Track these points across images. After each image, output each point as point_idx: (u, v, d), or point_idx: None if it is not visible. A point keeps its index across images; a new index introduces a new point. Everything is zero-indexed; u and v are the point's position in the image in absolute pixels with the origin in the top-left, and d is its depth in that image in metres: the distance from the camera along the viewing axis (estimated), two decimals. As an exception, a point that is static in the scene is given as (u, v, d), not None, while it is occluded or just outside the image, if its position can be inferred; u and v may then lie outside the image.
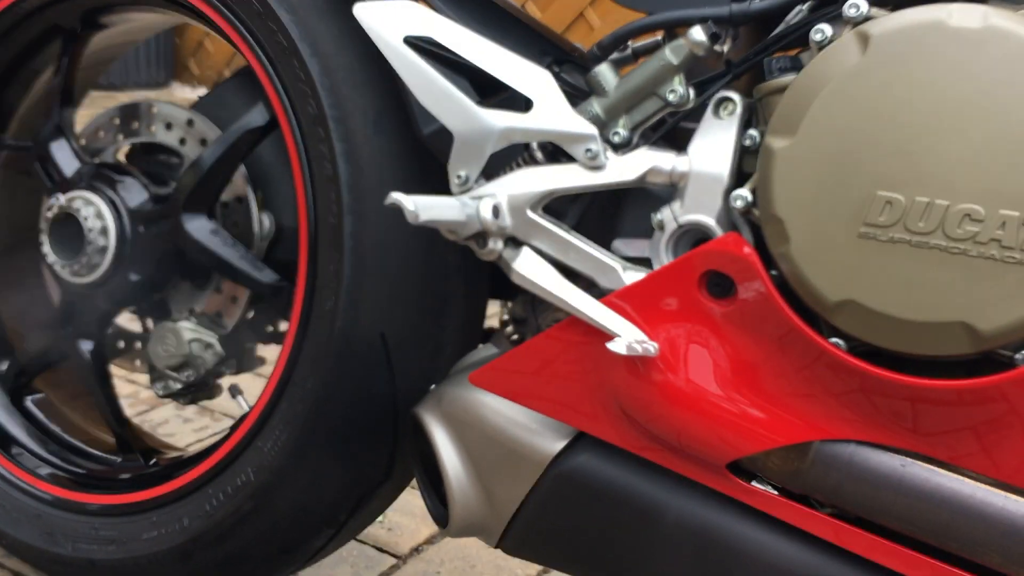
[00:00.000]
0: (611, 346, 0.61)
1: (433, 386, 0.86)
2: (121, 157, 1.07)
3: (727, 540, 0.67)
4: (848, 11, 0.60)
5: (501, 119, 0.69)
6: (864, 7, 0.59)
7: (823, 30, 0.62)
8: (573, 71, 0.79)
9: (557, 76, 0.75)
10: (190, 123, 1.02)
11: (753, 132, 0.65)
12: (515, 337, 0.86)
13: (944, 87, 0.54)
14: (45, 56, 1.09)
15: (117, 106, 1.06)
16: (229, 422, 1.49)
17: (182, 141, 1.02)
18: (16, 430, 1.06)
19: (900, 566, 0.61)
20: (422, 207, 0.63)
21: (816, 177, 0.57)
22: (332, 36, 0.85)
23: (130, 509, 0.97)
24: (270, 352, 1.02)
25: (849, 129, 0.56)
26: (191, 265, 0.98)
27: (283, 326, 1.05)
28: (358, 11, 0.74)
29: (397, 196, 0.64)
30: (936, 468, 0.61)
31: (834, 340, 0.61)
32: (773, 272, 0.62)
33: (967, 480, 0.60)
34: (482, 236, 0.69)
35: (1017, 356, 0.57)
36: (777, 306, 0.60)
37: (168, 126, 1.03)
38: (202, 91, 4.61)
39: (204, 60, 4.52)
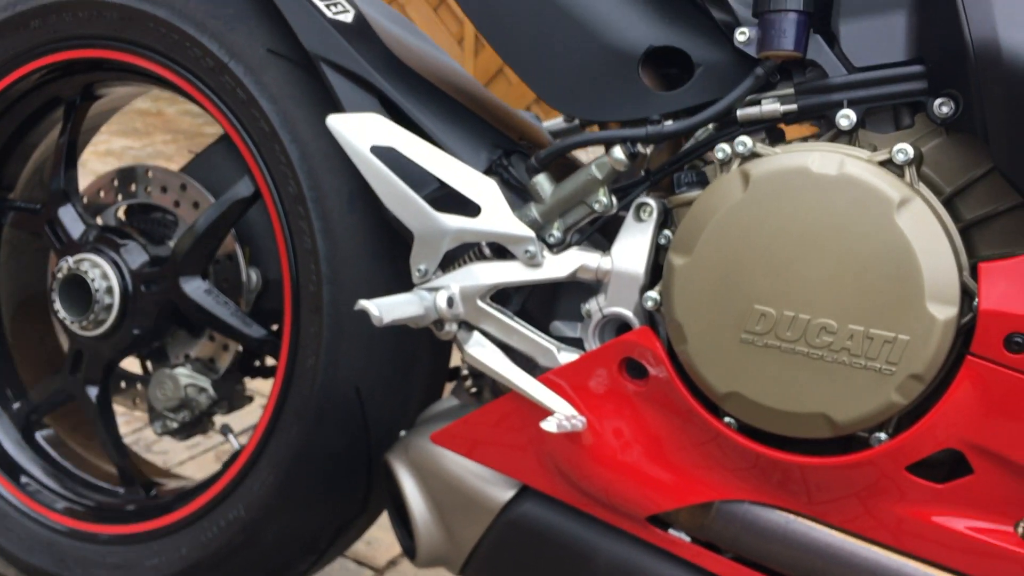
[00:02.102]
0: (543, 425, 0.75)
1: (403, 432, 1.00)
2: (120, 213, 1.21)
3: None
4: (737, 147, 0.73)
5: (454, 222, 0.83)
6: (750, 144, 0.73)
7: (724, 149, 0.76)
8: (519, 161, 0.93)
9: (505, 169, 0.89)
10: (183, 187, 1.15)
11: (667, 232, 0.79)
12: (474, 390, 1.00)
13: (806, 222, 0.68)
14: (49, 122, 1.22)
15: (116, 169, 1.19)
16: (218, 439, 1.63)
17: (176, 203, 1.16)
18: (29, 464, 1.20)
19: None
20: (385, 309, 0.77)
21: (707, 291, 0.71)
22: (310, 124, 0.99)
23: (135, 539, 1.11)
24: (257, 383, 1.16)
25: (733, 252, 0.70)
26: (187, 316, 1.11)
27: (270, 361, 1.20)
28: (331, 122, 0.87)
29: (363, 304, 0.78)
30: (814, 524, 0.75)
31: (727, 419, 0.75)
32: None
33: (839, 534, 0.74)
34: (439, 321, 0.83)
35: (871, 439, 0.71)
36: (679, 391, 0.75)
37: (163, 189, 1.17)
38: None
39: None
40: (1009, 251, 0.72)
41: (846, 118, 0.73)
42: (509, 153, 0.92)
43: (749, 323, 0.70)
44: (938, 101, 0.70)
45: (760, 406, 0.71)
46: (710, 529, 0.78)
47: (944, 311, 0.66)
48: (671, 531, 0.81)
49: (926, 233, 0.66)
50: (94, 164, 3.31)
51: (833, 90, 0.74)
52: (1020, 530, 0.69)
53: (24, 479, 1.19)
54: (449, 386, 1.08)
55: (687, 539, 0.81)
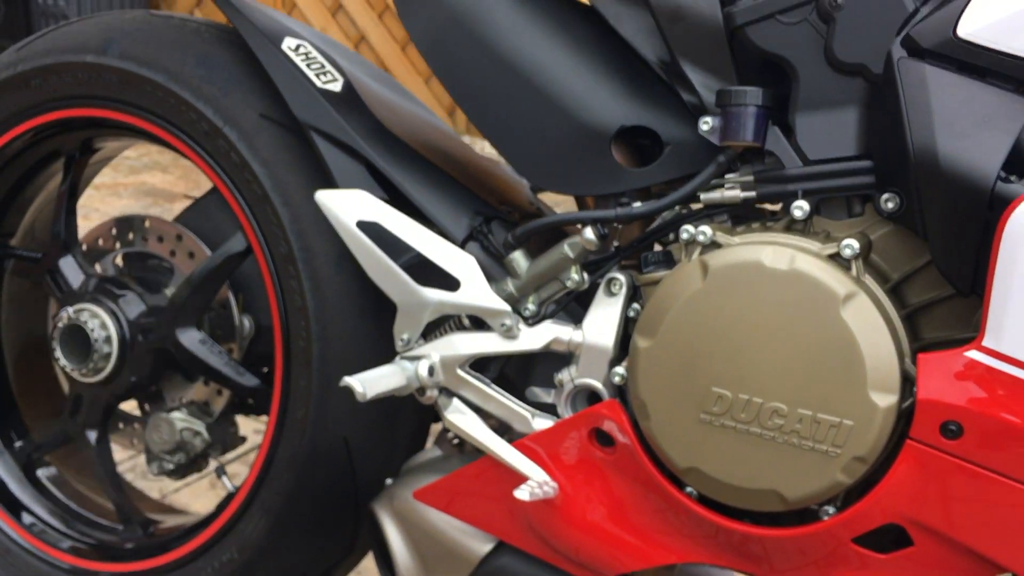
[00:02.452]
0: (517, 494, 0.80)
1: (389, 480, 1.06)
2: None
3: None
4: (698, 236, 0.79)
5: (435, 296, 0.88)
6: (710, 233, 0.79)
7: (688, 230, 0.81)
8: (499, 227, 0.98)
9: (485, 236, 0.95)
10: (179, 237, 1.20)
11: (636, 306, 0.85)
12: (456, 441, 1.05)
13: (760, 314, 0.74)
14: (49, 172, 1.27)
15: (113, 219, 1.24)
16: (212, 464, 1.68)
17: (172, 253, 1.21)
18: (31, 502, 1.25)
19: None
20: (368, 384, 0.83)
21: (669, 373, 0.77)
22: (300, 187, 1.04)
23: (130, 576, 1.17)
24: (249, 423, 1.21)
25: (693, 338, 0.76)
26: (182, 364, 1.17)
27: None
28: (319, 197, 0.93)
29: (347, 380, 0.83)
30: (770, 585, 0.81)
31: (689, 490, 0.80)
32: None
33: (793, 595, 0.80)
34: (421, 388, 0.89)
35: (821, 512, 0.77)
36: (643, 462, 0.80)
37: (160, 239, 1.22)
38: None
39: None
40: (951, 334, 0.77)
41: (800, 209, 0.78)
42: (489, 219, 0.97)
43: (707, 404, 0.76)
44: (884, 196, 0.76)
45: (717, 481, 0.77)
46: (679, 586, 0.84)
47: (885, 399, 0.71)
48: (644, 587, 0.87)
49: (869, 326, 0.72)
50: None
51: (789, 180, 0.79)
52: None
53: (27, 517, 1.24)
54: (435, 427, 1.13)
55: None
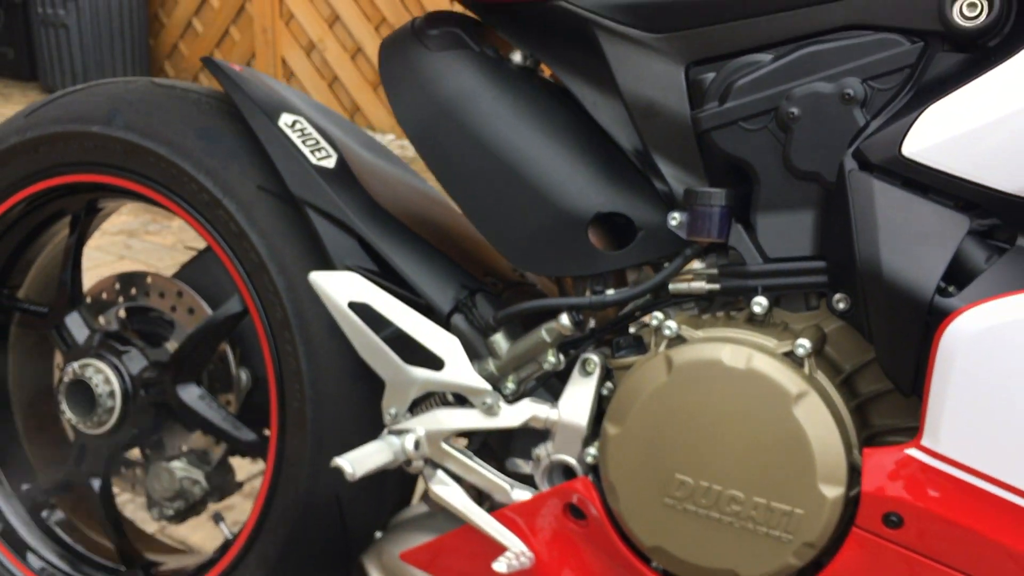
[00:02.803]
0: (495, 567, 0.87)
1: (378, 534, 1.12)
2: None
3: None
4: (663, 331, 0.85)
5: (421, 374, 0.94)
6: (675, 328, 0.85)
7: (658, 317, 0.88)
8: (483, 300, 1.04)
9: (470, 310, 1.01)
10: (179, 294, 1.26)
11: (610, 384, 0.91)
12: (442, 498, 1.11)
13: (719, 408, 0.80)
14: (54, 229, 1.33)
15: (116, 274, 1.30)
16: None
17: (173, 308, 1.27)
18: (38, 544, 1.32)
19: None
20: (358, 464, 0.89)
21: (636, 459, 0.83)
22: (296, 256, 1.10)
23: (132, 619, 1.23)
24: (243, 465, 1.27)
25: (658, 428, 0.82)
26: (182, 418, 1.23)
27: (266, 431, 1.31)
28: (313, 278, 0.99)
29: (337, 461, 0.89)
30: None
31: (655, 565, 0.87)
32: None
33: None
34: (408, 460, 0.95)
35: (776, 587, 0.83)
36: (613, 538, 0.87)
37: (161, 295, 1.28)
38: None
39: (179, 63, 4.71)
40: (899, 423, 0.84)
41: (759, 305, 0.85)
42: (473, 293, 1.04)
43: (671, 489, 0.82)
44: (836, 296, 0.82)
45: (681, 560, 0.83)
46: (642, 650, 0.90)
47: (833, 491, 0.78)
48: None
49: (818, 423, 0.78)
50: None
51: (749, 276, 0.86)
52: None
53: (35, 560, 1.30)
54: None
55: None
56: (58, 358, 1.36)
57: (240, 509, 1.59)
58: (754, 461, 0.79)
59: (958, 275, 0.77)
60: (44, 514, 1.35)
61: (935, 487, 0.74)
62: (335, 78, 4.20)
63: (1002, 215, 0.77)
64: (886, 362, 0.78)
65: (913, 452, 0.75)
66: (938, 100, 0.77)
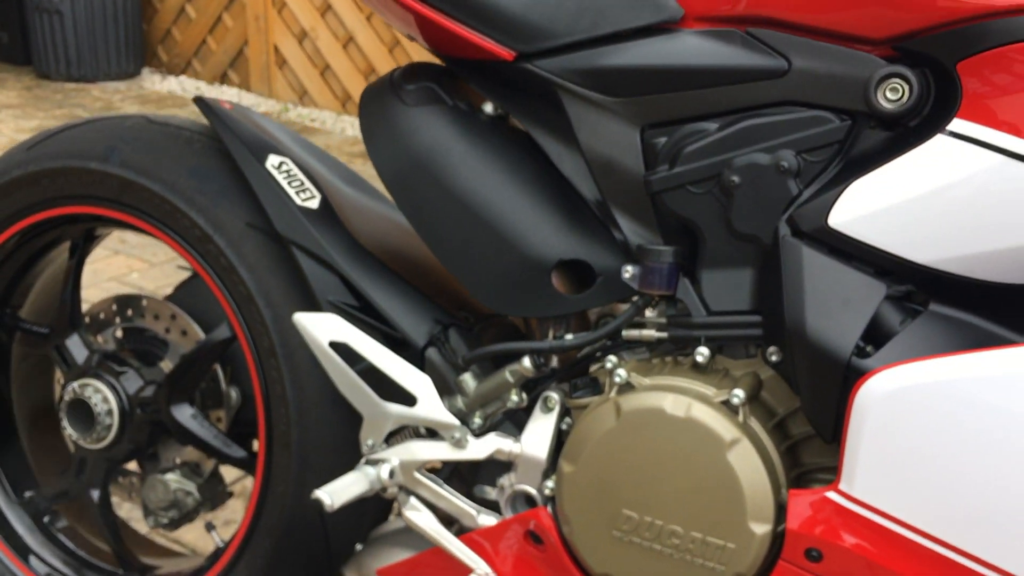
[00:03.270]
0: (460, 588, 0.96)
1: (358, 546, 1.21)
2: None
3: None
4: (614, 378, 0.94)
5: (395, 410, 1.03)
6: (624, 375, 0.94)
7: (612, 360, 0.97)
8: (457, 334, 1.13)
9: (443, 344, 1.10)
10: (173, 316, 1.35)
11: (569, 420, 1.00)
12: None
13: (662, 451, 0.89)
14: (54, 253, 1.41)
15: (114, 296, 1.39)
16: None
17: (167, 330, 1.36)
18: (40, 549, 1.41)
19: None
20: (336, 495, 0.98)
21: (587, 495, 0.93)
22: (282, 290, 1.19)
23: (129, 621, 1.33)
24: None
25: (608, 467, 0.91)
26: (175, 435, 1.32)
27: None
28: (297, 319, 1.08)
29: (316, 494, 0.99)
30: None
31: (605, 586, 0.96)
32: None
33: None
34: (383, 488, 1.04)
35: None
36: (566, 564, 0.96)
37: (155, 317, 1.36)
38: (172, 79, 4.84)
39: (173, 48, 4.76)
40: (827, 462, 0.93)
41: (701, 355, 0.94)
42: (447, 328, 1.13)
43: (619, 523, 0.92)
44: (770, 349, 0.91)
45: (627, 585, 0.93)
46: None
47: (761, 528, 0.87)
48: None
49: (749, 467, 0.87)
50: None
51: (693, 327, 0.94)
52: None
53: (40, 565, 1.40)
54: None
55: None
56: (58, 374, 1.44)
57: (232, 508, 1.68)
58: (692, 500, 0.89)
59: (876, 336, 0.85)
60: (46, 520, 1.45)
61: (850, 528, 0.84)
62: (327, 66, 4.26)
63: (916, 283, 0.86)
64: (809, 412, 0.87)
65: (831, 495, 0.85)
66: (862, 176, 0.86)
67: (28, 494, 1.45)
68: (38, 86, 4.64)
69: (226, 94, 4.65)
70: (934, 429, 0.80)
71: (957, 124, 0.82)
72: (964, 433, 0.79)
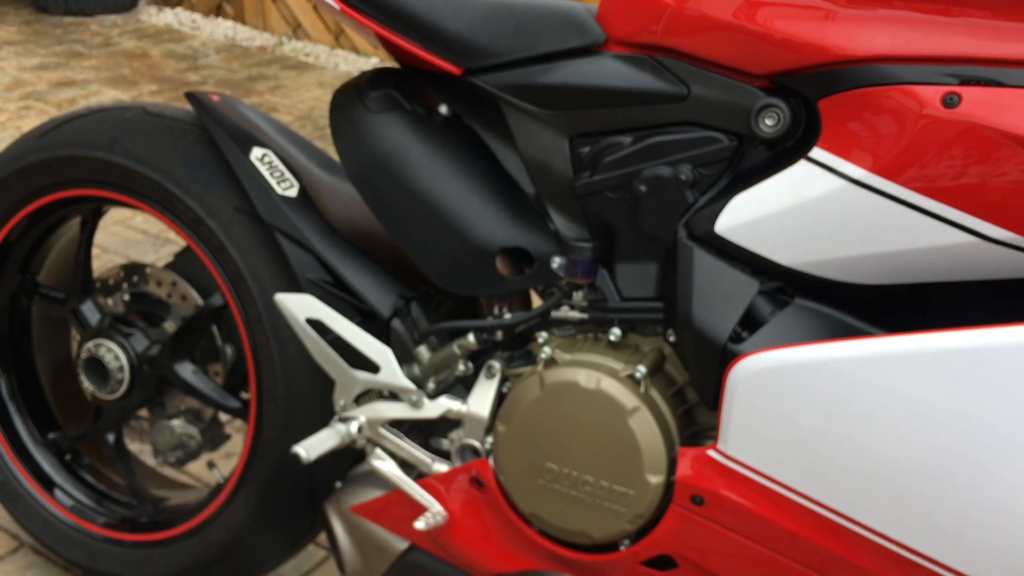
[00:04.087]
0: (415, 524, 1.18)
1: (338, 483, 1.43)
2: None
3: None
4: (541, 355, 1.14)
5: (362, 376, 1.24)
6: (549, 352, 1.14)
7: (543, 336, 1.17)
8: (418, 306, 1.32)
9: (405, 315, 1.29)
10: (173, 283, 1.54)
11: (509, 384, 1.20)
12: (389, 457, 1.42)
13: (577, 417, 1.09)
14: (66, 227, 1.60)
15: (121, 265, 1.58)
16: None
17: (169, 295, 1.55)
18: (67, 484, 1.64)
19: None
20: (311, 449, 1.19)
21: (518, 451, 1.13)
22: (267, 267, 1.38)
23: (147, 545, 1.56)
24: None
25: (534, 430, 1.12)
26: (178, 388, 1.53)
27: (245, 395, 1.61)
28: (278, 299, 1.27)
29: (295, 449, 1.19)
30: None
31: (534, 526, 1.18)
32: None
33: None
34: (353, 441, 1.25)
35: (620, 544, 1.14)
36: (502, 505, 1.17)
37: (159, 283, 1.56)
38: (168, 11, 4.93)
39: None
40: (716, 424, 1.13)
41: (614, 334, 1.13)
42: (409, 301, 1.32)
43: (542, 473, 1.12)
44: (669, 331, 1.10)
45: (550, 523, 1.14)
46: (528, 588, 1.22)
47: (655, 478, 1.08)
48: (507, 582, 1.25)
49: (646, 430, 1.08)
50: (86, 123, 3.63)
51: (608, 311, 1.14)
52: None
53: (64, 498, 1.62)
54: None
55: (518, 587, 1.25)
56: (74, 331, 1.64)
57: (233, 440, 1.89)
58: (601, 456, 1.09)
59: (750, 323, 1.05)
60: (68, 458, 1.67)
61: (725, 479, 1.04)
62: None
63: (784, 281, 1.04)
64: (695, 384, 1.07)
65: (711, 452, 1.05)
66: (744, 190, 1.04)
67: (52, 435, 1.67)
68: (37, 20, 4.74)
69: (221, 27, 4.76)
70: (790, 402, 0.99)
71: (816, 152, 0.99)
72: (815, 406, 0.99)
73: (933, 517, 0.95)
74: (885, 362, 0.96)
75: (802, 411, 0.99)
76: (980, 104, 0.90)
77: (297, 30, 4.58)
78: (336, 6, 1.24)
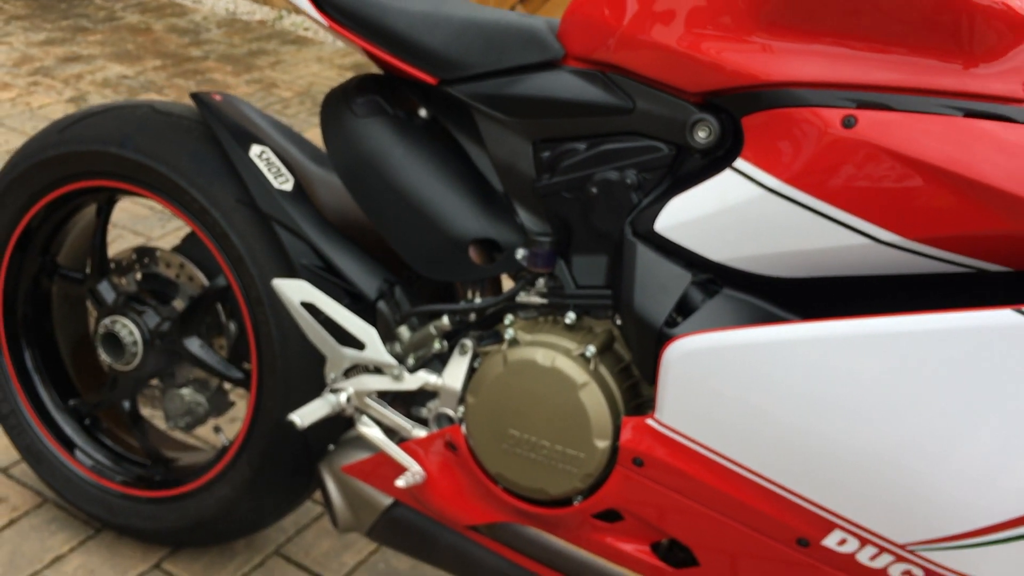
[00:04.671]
0: (396, 482, 1.35)
1: (331, 446, 1.60)
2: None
3: (470, 554, 1.44)
4: (505, 335, 1.30)
5: (349, 352, 1.40)
6: (512, 333, 1.30)
7: (509, 318, 1.33)
8: (400, 289, 1.49)
9: (389, 297, 1.46)
10: (181, 265, 1.71)
11: (479, 360, 1.37)
12: (376, 423, 1.59)
13: (534, 390, 1.26)
14: (83, 212, 1.77)
15: (133, 247, 1.74)
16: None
17: (177, 276, 1.72)
18: (87, 446, 1.82)
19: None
20: (305, 417, 1.36)
21: (484, 419, 1.30)
22: (266, 253, 1.54)
23: (161, 501, 1.75)
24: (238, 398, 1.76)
25: (498, 402, 1.29)
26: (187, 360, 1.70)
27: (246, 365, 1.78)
28: (275, 284, 1.44)
29: (291, 417, 1.36)
30: (552, 537, 1.36)
31: (500, 484, 1.35)
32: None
33: (563, 542, 1.35)
34: (343, 410, 1.42)
35: (574, 500, 1.31)
36: (471, 465, 1.35)
37: (168, 265, 1.72)
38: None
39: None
40: (660, 395, 1.30)
41: (569, 318, 1.30)
42: (393, 285, 1.48)
43: (506, 439, 1.30)
44: (616, 316, 1.27)
45: (512, 481, 1.31)
46: (499, 533, 1.40)
47: (602, 443, 1.25)
48: (480, 532, 1.43)
49: (595, 402, 1.25)
50: (94, 97, 3.78)
51: (565, 297, 1.30)
52: (656, 551, 1.30)
53: (81, 455, 1.81)
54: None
55: (488, 538, 1.42)
56: (90, 308, 1.81)
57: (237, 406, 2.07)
58: (556, 423, 1.26)
59: (684, 310, 1.21)
60: (87, 423, 1.85)
61: (661, 443, 1.21)
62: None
63: (714, 273, 1.21)
64: (636, 362, 1.24)
65: (649, 421, 1.22)
66: (679, 193, 1.20)
67: (72, 402, 1.85)
68: (43, -6, 4.86)
69: (222, 0, 4.88)
70: (715, 378, 1.16)
71: (739, 162, 1.15)
72: (736, 382, 1.15)
73: (829, 472, 1.12)
74: (797, 345, 1.12)
75: (726, 386, 1.15)
76: (873, 125, 1.06)
77: (296, 4, 4.69)
78: (324, 22, 1.39)
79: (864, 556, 1.14)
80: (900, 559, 1.12)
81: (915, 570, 1.11)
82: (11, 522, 1.89)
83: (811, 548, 1.17)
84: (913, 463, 1.07)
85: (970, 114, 1.03)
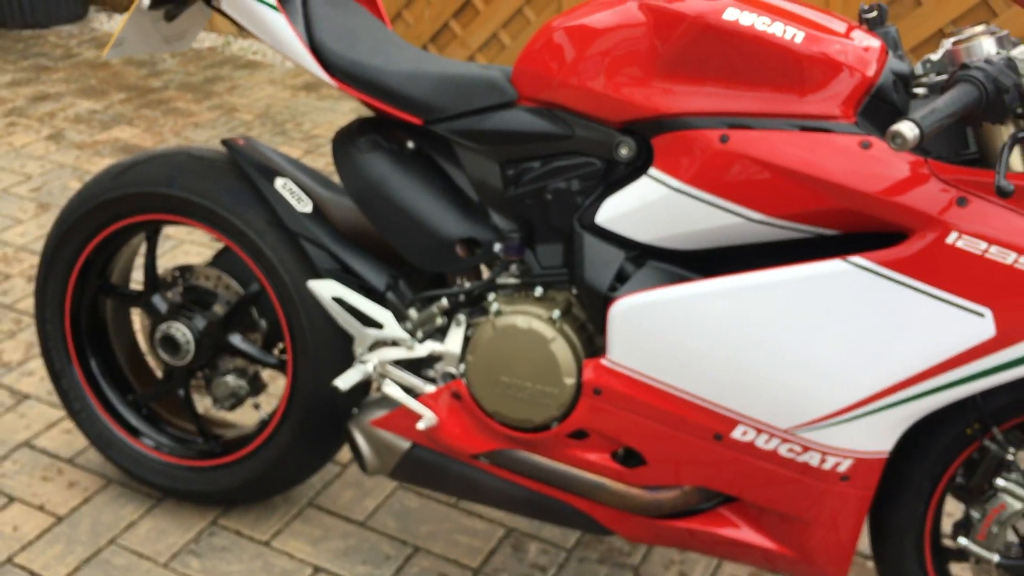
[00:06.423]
0: (417, 425, 1.81)
1: (355, 409, 2.06)
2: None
3: (475, 479, 1.91)
4: (491, 308, 1.78)
5: (372, 332, 1.87)
6: (497, 307, 1.77)
7: (492, 296, 1.80)
8: (404, 282, 1.95)
9: (395, 290, 1.92)
10: (218, 277, 2.15)
11: (472, 329, 1.84)
12: (389, 388, 2.06)
13: (516, 347, 1.74)
14: (134, 240, 2.19)
15: (176, 266, 2.17)
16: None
17: (215, 286, 2.15)
18: (147, 430, 2.25)
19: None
20: (346, 380, 1.82)
21: (481, 372, 1.78)
22: (295, 264, 1.99)
23: (213, 468, 2.19)
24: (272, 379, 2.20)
25: (490, 357, 1.76)
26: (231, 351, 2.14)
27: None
28: (311, 284, 1.89)
29: (335, 382, 1.82)
30: (542, 457, 1.83)
31: (497, 420, 1.82)
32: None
33: (550, 460, 1.83)
34: (370, 376, 1.89)
35: (552, 425, 1.79)
36: (473, 408, 1.82)
37: (207, 278, 2.16)
38: (117, 17, 5.39)
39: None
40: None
41: (538, 292, 1.77)
42: (397, 278, 1.95)
43: (498, 385, 1.77)
44: (574, 288, 1.74)
45: (505, 416, 1.79)
46: (497, 459, 1.87)
47: (569, 380, 1.73)
48: (482, 460, 1.90)
49: (561, 351, 1.72)
50: (71, 133, 4.14)
51: (534, 277, 1.78)
52: (616, 457, 1.77)
53: (145, 439, 2.24)
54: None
55: (489, 463, 1.89)
56: (140, 324, 2.24)
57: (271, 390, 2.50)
58: (533, 368, 1.74)
59: (621, 278, 1.69)
60: (145, 412, 2.28)
61: (613, 377, 1.69)
62: None
63: (640, 251, 1.69)
64: (590, 319, 1.72)
65: (603, 361, 1.70)
66: (612, 195, 1.68)
67: (130, 396, 2.28)
68: (-1, 37, 5.16)
69: (171, 31, 5.21)
70: (647, 325, 1.64)
71: (653, 171, 1.63)
72: (662, 326, 1.63)
73: (729, 382, 1.61)
74: (701, 295, 1.61)
75: (655, 329, 1.64)
76: (740, 140, 1.55)
77: (242, 29, 5.09)
78: (334, 84, 1.84)
79: (760, 441, 1.64)
80: (784, 440, 1.62)
81: (795, 447, 1.61)
82: (85, 500, 2.31)
83: (724, 440, 1.66)
84: (785, 370, 1.57)
85: (804, 128, 1.53)
